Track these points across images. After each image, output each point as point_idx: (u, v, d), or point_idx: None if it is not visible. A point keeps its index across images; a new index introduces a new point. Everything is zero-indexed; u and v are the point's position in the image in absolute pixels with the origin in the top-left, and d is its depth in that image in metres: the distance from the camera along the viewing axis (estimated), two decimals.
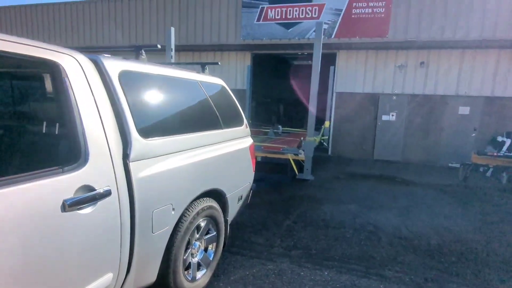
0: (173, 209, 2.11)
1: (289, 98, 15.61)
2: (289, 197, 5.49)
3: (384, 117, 9.66)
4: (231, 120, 3.09)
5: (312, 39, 6.62)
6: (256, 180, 6.09)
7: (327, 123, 9.31)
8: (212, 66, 11.27)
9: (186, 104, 2.54)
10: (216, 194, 2.72)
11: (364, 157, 10.00)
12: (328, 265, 3.25)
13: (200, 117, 2.65)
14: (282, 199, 5.37)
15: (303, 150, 5.78)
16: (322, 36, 8.99)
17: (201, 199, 2.47)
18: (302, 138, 6.55)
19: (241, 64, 10.93)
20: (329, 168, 8.32)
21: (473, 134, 9.02)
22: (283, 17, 9.43)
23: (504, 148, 7.86)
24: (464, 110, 9.05)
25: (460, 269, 3.30)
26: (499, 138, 8.42)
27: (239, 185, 3.11)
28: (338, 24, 9.01)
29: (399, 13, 8.53)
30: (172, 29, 5.75)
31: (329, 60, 10.37)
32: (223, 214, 2.87)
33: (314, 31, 8.45)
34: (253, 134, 8.18)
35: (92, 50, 2.03)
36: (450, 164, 9.09)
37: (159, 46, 2.35)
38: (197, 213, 2.37)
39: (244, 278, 2.93)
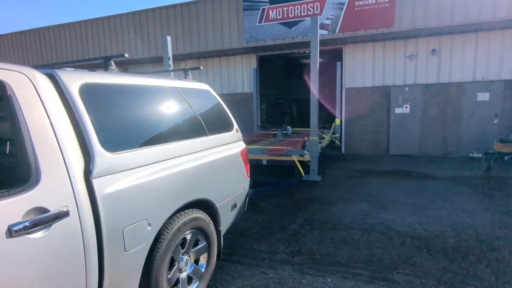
0: (149, 224, 2.00)
1: (301, 98, 15.37)
2: (296, 200, 5.30)
3: (398, 110, 9.26)
4: (218, 126, 2.97)
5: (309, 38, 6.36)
6: (261, 185, 6.00)
7: (337, 121, 9.04)
8: (218, 72, 11.15)
9: (161, 113, 2.44)
10: (204, 204, 2.60)
11: (379, 153, 9.62)
12: (333, 271, 3.06)
13: (179, 125, 2.54)
14: (289, 203, 5.18)
15: (308, 151, 5.58)
16: (325, 32, 8.81)
17: (184, 211, 2.35)
18: (306, 138, 6.33)
19: (248, 67, 10.85)
20: (342, 167, 8.04)
21: (495, 121, 8.47)
22: (285, 16, 9.26)
23: None
24: (483, 96, 8.53)
25: (480, 270, 3.01)
26: None
27: (231, 192, 2.97)
28: (341, 18, 8.75)
29: (404, 1, 8.16)
30: (168, 37, 5.73)
31: (336, 56, 10.10)
32: (215, 224, 2.75)
33: None
34: (262, 137, 8.09)
35: (60, 66, 1.97)
36: (471, 154, 8.58)
37: (127, 55, 2.27)
38: (179, 228, 2.25)
39: None
